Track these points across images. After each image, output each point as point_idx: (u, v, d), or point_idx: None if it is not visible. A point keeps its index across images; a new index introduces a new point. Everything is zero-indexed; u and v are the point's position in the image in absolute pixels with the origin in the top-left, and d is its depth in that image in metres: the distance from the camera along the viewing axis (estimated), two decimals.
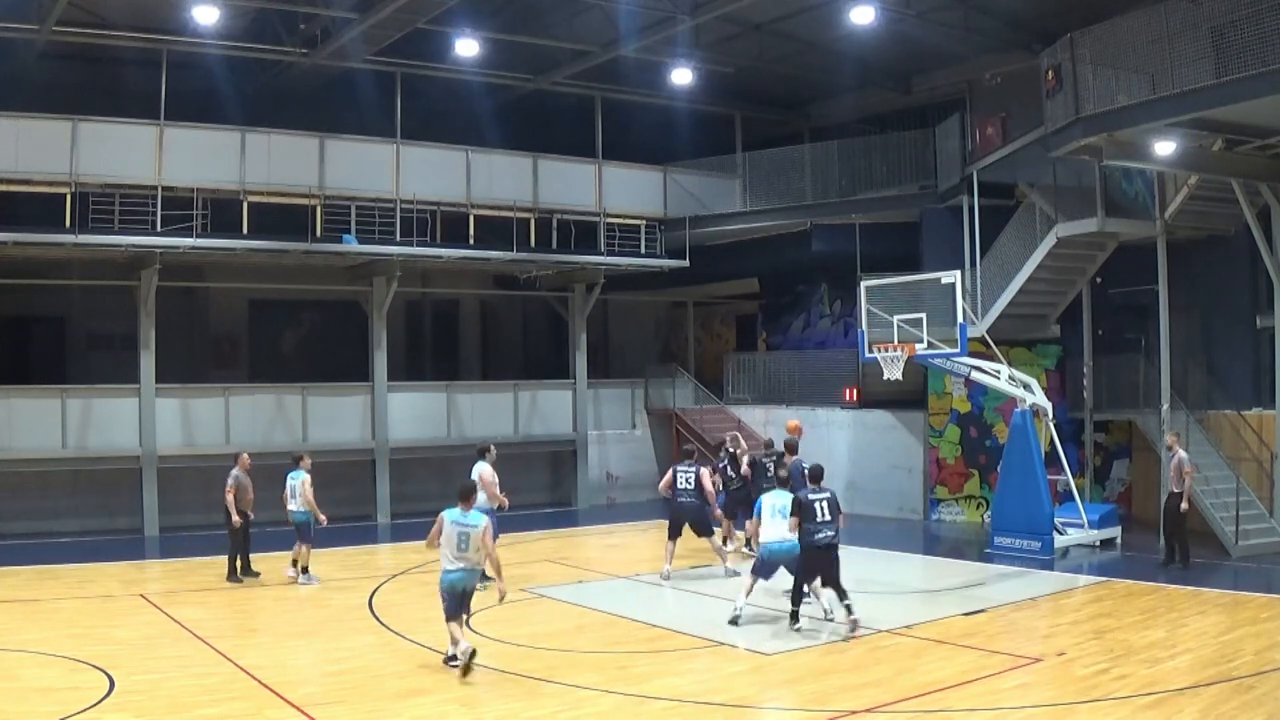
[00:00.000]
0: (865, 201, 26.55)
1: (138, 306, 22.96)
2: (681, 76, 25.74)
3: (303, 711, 10.50)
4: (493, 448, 17.55)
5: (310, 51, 23.46)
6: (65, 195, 21.33)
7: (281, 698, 10.93)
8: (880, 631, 13.75)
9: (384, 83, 24.84)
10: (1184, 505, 18.02)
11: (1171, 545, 18.20)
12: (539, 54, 25.45)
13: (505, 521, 17.40)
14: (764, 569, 14.06)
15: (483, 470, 16.61)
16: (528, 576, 17.61)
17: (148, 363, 22.88)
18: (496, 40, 23.95)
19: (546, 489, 28.62)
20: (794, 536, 13.56)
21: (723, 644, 13.06)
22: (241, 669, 11.94)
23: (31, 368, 25.01)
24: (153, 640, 13.39)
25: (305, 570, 17.24)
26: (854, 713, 10.44)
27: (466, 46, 23.63)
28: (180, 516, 22.75)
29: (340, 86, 25.16)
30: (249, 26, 22.95)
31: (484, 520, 12.17)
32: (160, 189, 22.01)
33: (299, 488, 17.23)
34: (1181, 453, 18.23)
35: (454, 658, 11.86)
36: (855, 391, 26.21)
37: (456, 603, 11.90)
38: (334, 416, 25.03)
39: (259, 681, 11.51)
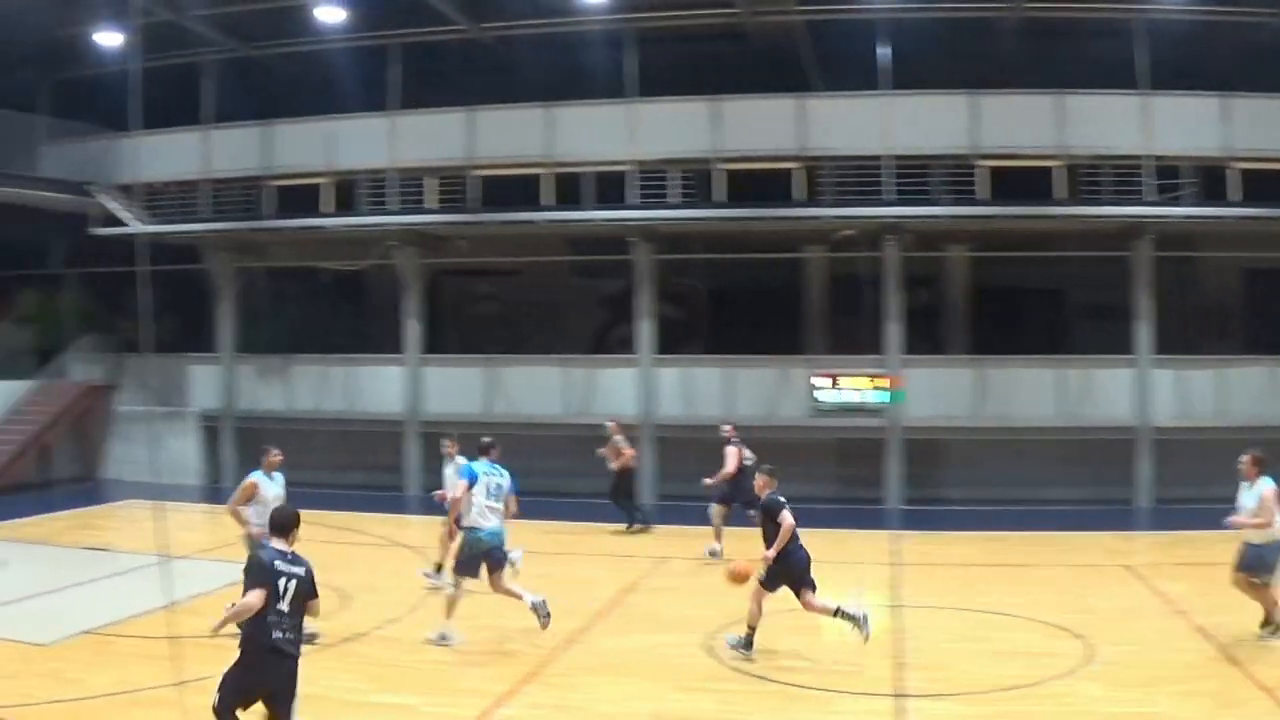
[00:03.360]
0: None
1: (1131, 277, 22.77)
2: None
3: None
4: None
5: None
6: (1053, 169, 21.91)
7: (1254, 680, 10.32)
8: None
9: None
10: None
11: None
12: None
13: None
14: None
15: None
16: None
17: (1143, 333, 22.61)
18: None
19: None
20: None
21: None
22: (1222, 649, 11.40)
23: (1026, 338, 25.84)
24: (1132, 612, 13.28)
25: None
26: None
27: None
28: (1174, 489, 22.07)
29: None
30: None
31: None
32: (1151, 158, 21.68)
33: None
34: None
35: None
36: None
37: None
38: None
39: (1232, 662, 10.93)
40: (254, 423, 25.53)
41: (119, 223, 25.56)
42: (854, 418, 23.06)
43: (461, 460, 13.42)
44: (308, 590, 7.90)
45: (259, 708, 7.70)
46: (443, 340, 26.34)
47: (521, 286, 27.77)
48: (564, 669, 11.14)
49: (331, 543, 16.38)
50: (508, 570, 12.18)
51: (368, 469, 25.03)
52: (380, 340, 26.31)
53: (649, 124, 23.46)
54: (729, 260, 25.26)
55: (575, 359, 24.82)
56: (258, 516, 11.40)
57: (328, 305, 28.84)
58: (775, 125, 23.05)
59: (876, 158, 22.43)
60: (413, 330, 25.01)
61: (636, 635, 12.37)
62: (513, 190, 24.15)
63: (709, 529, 17.28)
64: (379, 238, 24.75)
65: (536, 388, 24.41)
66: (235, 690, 7.69)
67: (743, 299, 26.61)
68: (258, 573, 7.78)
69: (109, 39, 24.87)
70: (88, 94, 25.88)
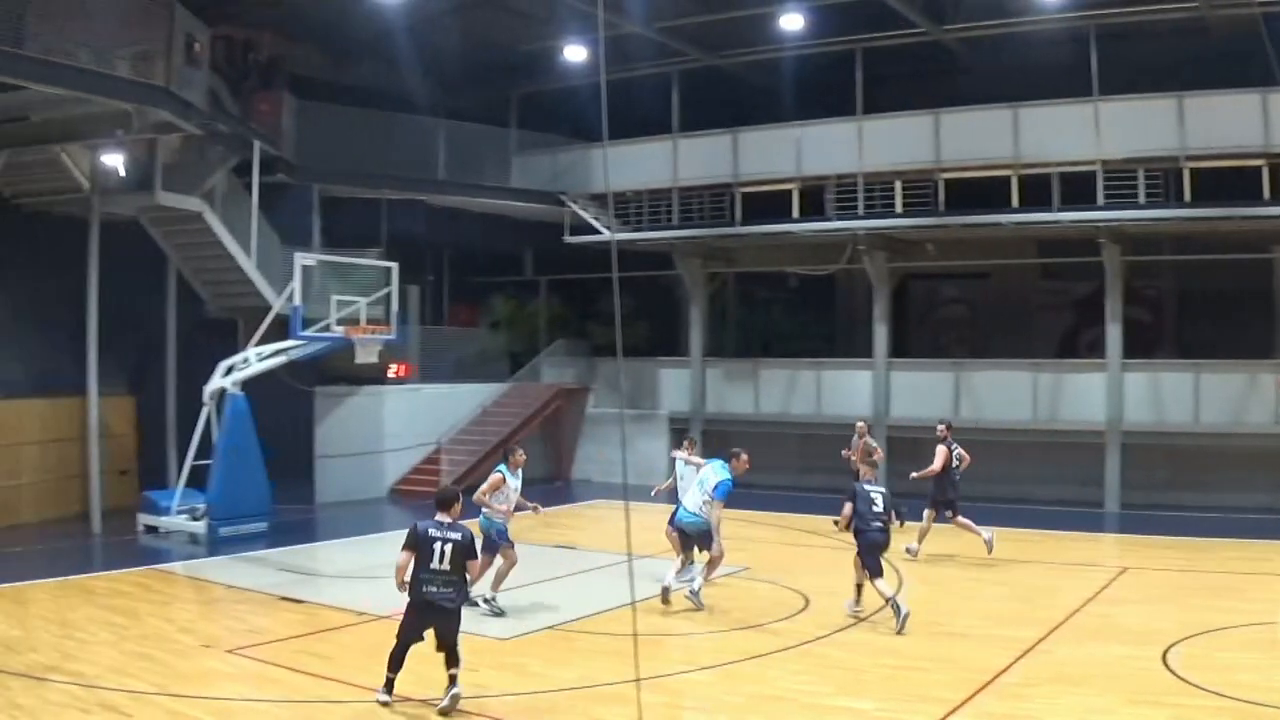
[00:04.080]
0: None
1: None
2: None
3: None
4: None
5: None
6: None
7: None
8: None
9: None
10: None
11: None
12: None
13: None
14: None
15: None
16: None
17: None
18: None
19: None
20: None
21: None
22: None
23: None
24: None
25: None
26: None
27: None
28: None
29: None
30: None
31: None
32: None
33: None
34: None
35: None
36: None
37: None
38: None
39: None
40: (721, 425, 26.27)
41: (589, 230, 26.61)
42: None
43: (699, 460, 15.24)
44: (464, 551, 9.73)
45: None
46: (909, 344, 26.41)
47: (988, 289, 27.63)
48: (1019, 679, 11.11)
49: (794, 545, 16.62)
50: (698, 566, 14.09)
51: (830, 473, 25.31)
52: (846, 344, 26.58)
53: (1113, 122, 22.72)
54: (1194, 261, 24.39)
55: (1044, 363, 24.43)
56: (499, 502, 13.37)
57: (794, 309, 29.35)
58: (1239, 121, 21.91)
59: None
60: (880, 334, 25.19)
61: (1094, 646, 12.24)
62: (979, 192, 23.95)
63: (1178, 540, 18.42)
64: (847, 242, 25.04)
65: (1004, 393, 24.16)
66: (402, 634, 9.76)
67: (1208, 301, 25.64)
68: (409, 539, 9.76)
69: (574, 53, 25.98)
70: (552, 106, 27.14)
